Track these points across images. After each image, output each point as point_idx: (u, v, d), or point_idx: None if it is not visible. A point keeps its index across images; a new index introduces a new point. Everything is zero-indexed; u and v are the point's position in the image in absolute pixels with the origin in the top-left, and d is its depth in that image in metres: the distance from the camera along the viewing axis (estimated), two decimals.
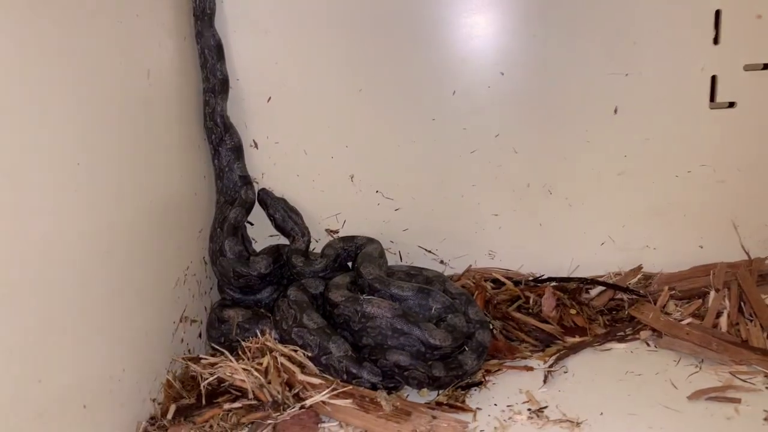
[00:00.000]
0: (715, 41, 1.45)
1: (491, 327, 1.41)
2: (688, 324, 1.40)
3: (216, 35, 1.45)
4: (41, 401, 0.87)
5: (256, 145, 1.55)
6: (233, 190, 1.52)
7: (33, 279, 0.88)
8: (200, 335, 1.44)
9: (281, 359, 1.24)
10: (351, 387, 1.21)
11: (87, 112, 1.03)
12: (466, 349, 1.29)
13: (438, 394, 1.25)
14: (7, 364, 0.82)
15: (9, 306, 0.83)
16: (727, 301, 1.45)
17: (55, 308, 0.92)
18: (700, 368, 1.30)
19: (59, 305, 0.93)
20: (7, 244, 0.83)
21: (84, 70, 1.02)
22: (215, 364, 1.29)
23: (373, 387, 1.23)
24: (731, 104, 1.49)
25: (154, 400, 1.21)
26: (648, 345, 1.40)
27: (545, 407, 1.20)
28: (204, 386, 1.24)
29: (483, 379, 1.29)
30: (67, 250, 0.96)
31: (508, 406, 1.22)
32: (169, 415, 1.19)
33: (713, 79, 1.47)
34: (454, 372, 1.25)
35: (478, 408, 1.21)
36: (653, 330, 1.41)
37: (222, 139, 1.49)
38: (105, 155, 1.08)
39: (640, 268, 1.58)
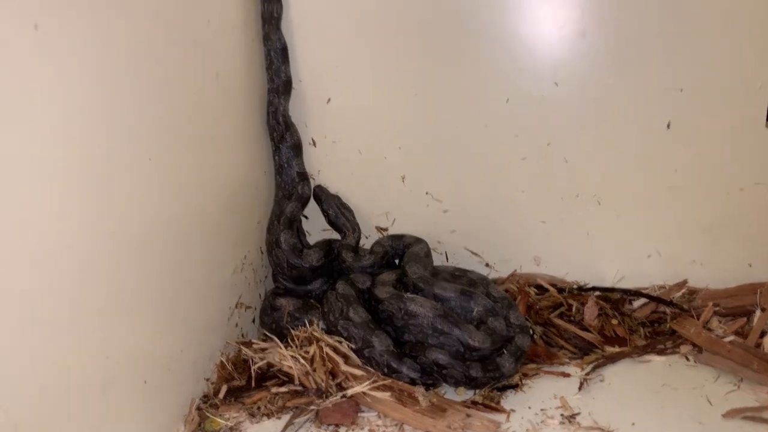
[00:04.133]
0: None
1: (531, 332, 1.45)
2: (730, 342, 1.40)
3: (282, 38, 1.52)
4: (107, 375, 0.97)
5: (314, 143, 1.63)
6: (291, 185, 1.60)
7: (104, 264, 0.97)
8: (254, 321, 1.53)
9: (327, 349, 1.31)
10: (391, 381, 1.27)
11: (160, 113, 1.11)
12: (505, 352, 1.33)
13: (474, 394, 1.30)
14: (79, 340, 0.91)
15: (81, 288, 0.92)
16: None
17: (123, 291, 1.01)
18: (739, 387, 1.30)
19: (127, 288, 1.02)
20: (80, 232, 0.91)
21: (158, 75, 1.11)
22: (265, 349, 1.37)
23: (412, 382, 1.29)
24: None
25: (207, 380, 1.30)
26: (687, 360, 1.40)
27: (578, 414, 1.24)
28: (254, 370, 1.33)
29: (519, 382, 1.33)
30: (138, 239, 1.05)
31: (541, 409, 1.26)
32: (221, 395, 1.28)
33: None
34: (491, 373, 1.30)
35: (512, 410, 1.25)
36: (694, 345, 1.42)
37: (283, 137, 1.57)
38: (175, 151, 1.16)
39: (685, 282, 1.58)
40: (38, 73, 0.83)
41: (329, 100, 1.59)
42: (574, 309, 1.55)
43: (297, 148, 1.59)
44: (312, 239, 1.68)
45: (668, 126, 1.50)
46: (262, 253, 1.57)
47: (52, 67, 0.85)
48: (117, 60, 0.99)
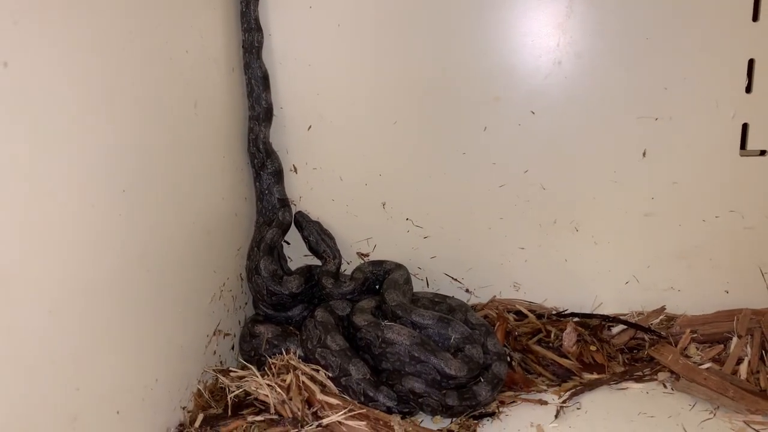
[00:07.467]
0: (748, 90, 1.45)
1: (509, 359, 1.45)
2: (707, 369, 1.41)
3: (263, 67, 1.54)
4: (77, 407, 0.96)
5: (295, 170, 1.64)
6: (272, 211, 1.60)
7: (75, 293, 0.97)
8: (233, 348, 1.53)
9: (303, 378, 1.32)
10: (367, 409, 1.27)
11: (135, 143, 1.12)
12: (482, 380, 1.33)
13: (451, 422, 1.30)
14: (48, 372, 0.91)
15: (53, 319, 0.92)
16: (749, 348, 1.45)
17: (96, 321, 1.01)
18: (715, 414, 1.31)
19: (100, 318, 1.02)
20: (49, 261, 0.92)
21: (134, 104, 1.12)
22: (243, 377, 1.37)
23: (389, 410, 1.29)
24: (762, 152, 1.49)
25: (183, 408, 1.29)
26: (665, 387, 1.41)
27: None
28: (231, 398, 1.32)
29: (496, 410, 1.33)
30: (112, 269, 1.05)
31: None
32: (197, 424, 1.28)
33: (744, 126, 1.48)
34: (467, 402, 1.30)
35: None
36: (671, 372, 1.43)
37: (264, 164, 1.58)
38: (151, 181, 1.17)
39: (663, 308, 1.59)
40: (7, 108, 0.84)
41: (310, 127, 1.60)
42: (552, 335, 1.55)
43: (278, 175, 1.60)
44: (293, 265, 1.68)
45: (644, 154, 1.52)
46: (242, 279, 1.58)
47: (23, 99, 0.86)
48: (90, 89, 1.00)
